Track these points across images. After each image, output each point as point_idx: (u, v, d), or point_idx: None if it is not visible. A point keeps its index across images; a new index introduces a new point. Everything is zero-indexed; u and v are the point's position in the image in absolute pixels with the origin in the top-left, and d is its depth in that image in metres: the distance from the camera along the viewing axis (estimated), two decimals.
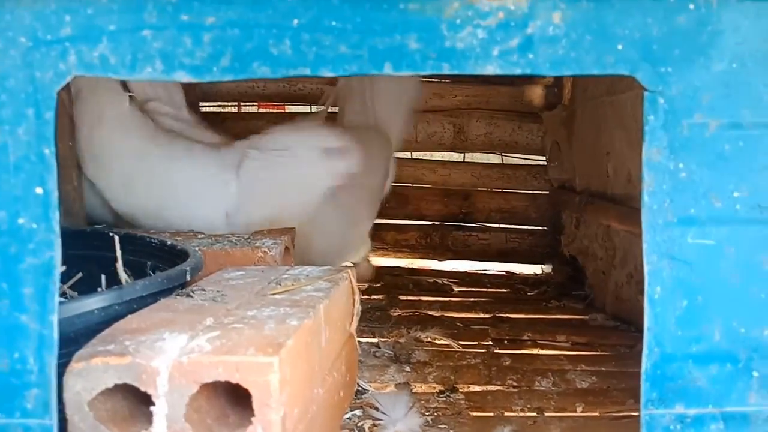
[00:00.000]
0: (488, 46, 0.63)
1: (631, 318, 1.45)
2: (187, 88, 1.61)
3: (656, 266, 0.66)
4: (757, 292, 0.67)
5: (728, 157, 0.66)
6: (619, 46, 0.64)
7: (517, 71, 0.63)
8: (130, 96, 1.44)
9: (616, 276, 1.52)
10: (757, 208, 0.66)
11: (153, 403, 0.61)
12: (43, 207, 0.62)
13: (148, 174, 1.40)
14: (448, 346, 1.32)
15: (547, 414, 1.02)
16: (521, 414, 1.02)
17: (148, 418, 0.61)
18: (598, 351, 1.33)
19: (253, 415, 0.60)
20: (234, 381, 0.60)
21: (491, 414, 1.02)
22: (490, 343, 1.35)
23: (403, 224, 2.08)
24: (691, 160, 0.66)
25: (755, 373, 0.68)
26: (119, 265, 0.83)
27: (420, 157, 2.10)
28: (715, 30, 0.64)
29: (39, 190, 0.62)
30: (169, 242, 0.98)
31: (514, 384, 1.13)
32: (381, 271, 1.94)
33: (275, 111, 2.17)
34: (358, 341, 1.07)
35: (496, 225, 2.07)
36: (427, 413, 0.99)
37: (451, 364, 1.21)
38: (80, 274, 0.98)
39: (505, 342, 1.36)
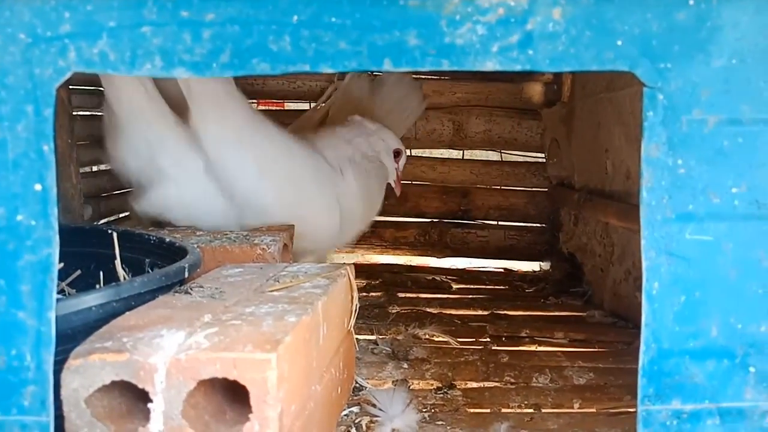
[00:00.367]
0: (488, 42, 0.63)
1: (628, 315, 1.45)
2: None
3: (654, 262, 0.67)
4: (754, 288, 0.67)
5: (727, 153, 0.66)
6: (619, 42, 0.64)
7: (517, 67, 0.63)
8: None
9: (614, 273, 1.53)
10: (755, 204, 0.67)
11: (150, 400, 0.61)
12: (41, 204, 0.62)
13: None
14: (446, 342, 1.32)
15: (544, 410, 1.02)
16: (518, 410, 1.02)
17: (146, 414, 0.61)
18: (595, 347, 1.34)
19: (250, 412, 0.60)
20: (231, 378, 0.60)
21: (488, 410, 1.02)
22: (488, 339, 1.35)
23: (402, 221, 2.08)
24: (690, 156, 0.66)
25: (752, 369, 0.68)
26: (117, 262, 0.83)
27: (419, 154, 2.10)
28: (715, 26, 0.64)
29: (38, 187, 0.62)
30: (167, 239, 0.98)
31: (512, 380, 1.13)
32: (380, 269, 1.94)
33: (275, 108, 2.17)
34: (357, 338, 1.07)
35: (494, 222, 2.07)
36: (424, 410, 1.00)
37: (449, 360, 1.21)
38: (79, 271, 0.98)
39: (503, 339, 1.37)
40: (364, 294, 1.65)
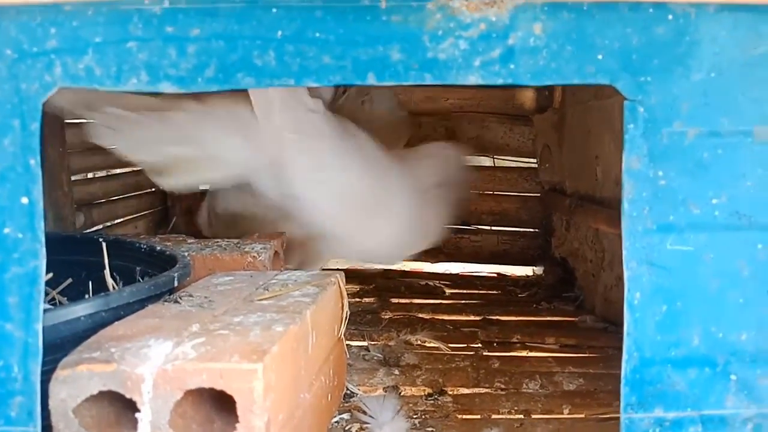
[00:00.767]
0: (470, 56, 0.64)
1: (619, 320, 1.44)
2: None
3: (636, 272, 0.68)
4: (735, 298, 0.68)
5: (707, 165, 0.67)
6: (599, 56, 0.65)
7: (499, 81, 0.64)
8: None
9: (605, 278, 1.53)
10: (735, 215, 0.67)
11: (138, 410, 0.61)
12: (28, 217, 0.63)
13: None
14: (437, 348, 1.33)
15: (534, 416, 1.03)
16: (508, 416, 1.03)
17: (134, 423, 0.62)
18: (586, 353, 1.34)
19: (237, 421, 0.61)
20: (218, 388, 0.61)
21: (478, 416, 1.03)
22: (480, 345, 1.35)
23: None
24: (670, 168, 0.67)
25: (733, 377, 0.69)
26: (106, 272, 0.84)
27: None
28: (693, 40, 0.65)
29: (24, 200, 0.63)
30: (158, 248, 0.98)
31: (502, 386, 1.14)
32: (373, 274, 1.95)
33: None
34: (348, 345, 1.08)
35: (487, 227, 2.08)
36: (414, 416, 1.00)
37: (440, 366, 1.22)
38: (70, 280, 0.99)
39: (495, 344, 1.37)
40: (357, 300, 1.66)
